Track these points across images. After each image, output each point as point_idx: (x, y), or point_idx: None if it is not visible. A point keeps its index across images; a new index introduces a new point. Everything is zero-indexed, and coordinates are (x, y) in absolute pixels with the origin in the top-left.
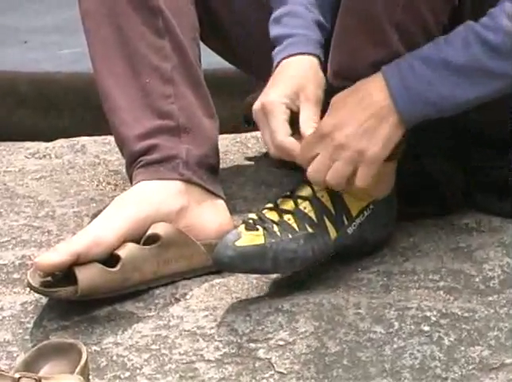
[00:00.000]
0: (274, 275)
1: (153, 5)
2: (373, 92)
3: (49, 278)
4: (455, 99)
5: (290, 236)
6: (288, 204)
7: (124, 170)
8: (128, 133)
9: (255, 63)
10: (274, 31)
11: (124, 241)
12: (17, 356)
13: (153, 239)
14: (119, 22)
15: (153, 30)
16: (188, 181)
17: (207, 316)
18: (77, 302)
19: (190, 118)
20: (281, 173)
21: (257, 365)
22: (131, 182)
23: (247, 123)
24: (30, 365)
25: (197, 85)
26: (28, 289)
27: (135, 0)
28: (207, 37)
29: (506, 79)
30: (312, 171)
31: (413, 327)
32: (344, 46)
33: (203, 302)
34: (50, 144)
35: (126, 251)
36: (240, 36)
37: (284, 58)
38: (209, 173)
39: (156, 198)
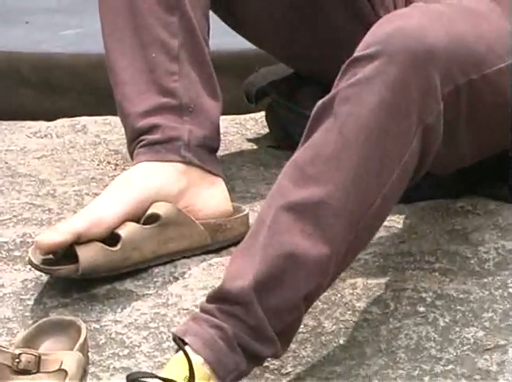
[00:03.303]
0: None
1: None
2: None
3: (50, 256)
4: None
5: None
6: None
7: (124, 150)
8: (131, 109)
9: (269, 38)
10: None
11: (124, 220)
12: (18, 332)
13: (153, 218)
14: None
15: (164, 5)
16: (188, 163)
17: (205, 294)
18: (77, 279)
19: (193, 98)
20: (280, 154)
21: None
22: (132, 158)
23: (249, 101)
24: (30, 342)
25: (203, 64)
26: (29, 266)
27: None
28: (219, 8)
29: None
30: None
31: (408, 308)
32: None
33: (201, 280)
34: (51, 123)
35: (126, 231)
36: (256, 9)
37: None
38: (209, 154)
39: (156, 179)
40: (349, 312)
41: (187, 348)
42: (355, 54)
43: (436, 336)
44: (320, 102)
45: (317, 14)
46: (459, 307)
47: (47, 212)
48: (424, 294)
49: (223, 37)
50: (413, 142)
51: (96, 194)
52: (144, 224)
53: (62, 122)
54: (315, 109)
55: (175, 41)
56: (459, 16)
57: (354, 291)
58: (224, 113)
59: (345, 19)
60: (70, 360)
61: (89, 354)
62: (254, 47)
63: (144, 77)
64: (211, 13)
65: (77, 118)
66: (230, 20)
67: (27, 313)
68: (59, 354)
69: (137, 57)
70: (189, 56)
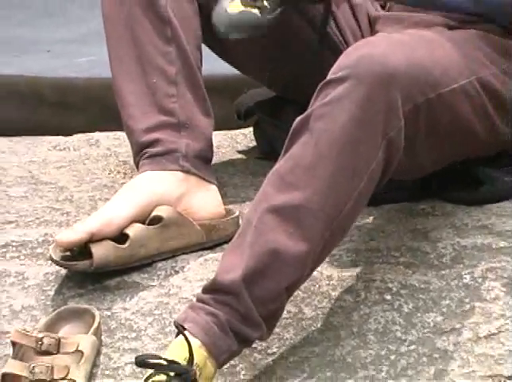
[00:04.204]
0: None
1: (164, 14)
2: None
3: (68, 253)
4: None
5: None
6: None
7: (131, 161)
8: (135, 126)
9: (250, 66)
10: None
11: (132, 222)
12: (40, 319)
13: (157, 220)
14: (133, 27)
15: (162, 37)
16: (186, 172)
17: (201, 286)
18: (91, 273)
19: (189, 117)
20: (266, 164)
21: None
22: (137, 168)
23: (238, 118)
24: (51, 327)
25: (197, 87)
26: (50, 262)
27: (148, 9)
28: (209, 41)
29: None
30: None
31: (377, 296)
32: None
33: (198, 273)
34: (69, 138)
35: (134, 230)
36: (238, 42)
37: None
38: (204, 164)
39: (159, 186)
40: (326, 300)
41: (186, 332)
42: (328, 77)
43: (400, 320)
44: (297, 119)
45: (294, 45)
46: (420, 295)
47: (65, 214)
48: (390, 285)
49: (216, 63)
50: (379, 153)
51: (108, 199)
52: (149, 224)
53: (78, 137)
54: (293, 125)
55: (172, 68)
56: (417, 44)
57: (330, 282)
58: (217, 129)
59: (319, 49)
60: (85, 342)
61: (102, 337)
62: None
63: (146, 99)
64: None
65: (91, 133)
66: (216, 50)
67: (48, 302)
68: (76, 337)
69: (140, 82)
70: (185, 81)
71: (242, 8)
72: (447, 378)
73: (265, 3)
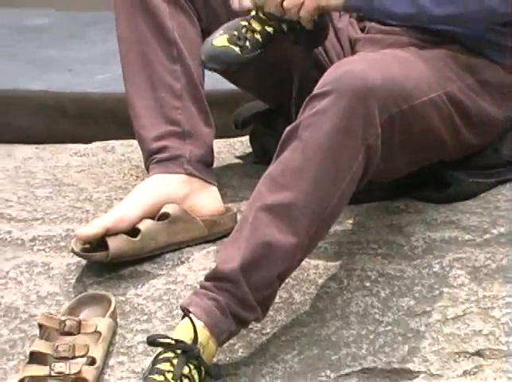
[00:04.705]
0: None
1: (171, 37)
2: None
3: (87, 246)
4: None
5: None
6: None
7: (143, 165)
8: (146, 135)
9: (247, 82)
10: None
11: (143, 218)
12: (63, 303)
13: (165, 216)
14: (144, 49)
15: (169, 57)
16: (190, 174)
17: (204, 274)
18: (108, 263)
19: (193, 126)
20: (261, 168)
21: None
22: (148, 172)
23: (236, 127)
24: (73, 311)
25: (199, 101)
26: (71, 254)
27: (157, 33)
28: None
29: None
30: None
31: (358, 283)
32: None
33: (201, 263)
34: (88, 146)
35: (145, 226)
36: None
37: None
38: (206, 168)
39: (166, 187)
40: (313, 287)
41: (191, 315)
42: (314, 92)
43: (378, 304)
44: (287, 128)
45: (286, 65)
46: (395, 282)
47: (85, 212)
48: (369, 273)
49: (217, 80)
50: (359, 158)
51: (122, 198)
52: (158, 220)
53: (96, 145)
54: (284, 133)
55: (178, 84)
56: (391, 62)
57: (317, 271)
58: (217, 137)
59: (308, 67)
60: (103, 324)
61: (117, 320)
62: None
63: (155, 112)
64: None
65: (107, 141)
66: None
67: (70, 289)
68: (94, 320)
69: (150, 97)
70: (189, 95)
71: (226, 43)
72: (419, 354)
73: (247, 44)
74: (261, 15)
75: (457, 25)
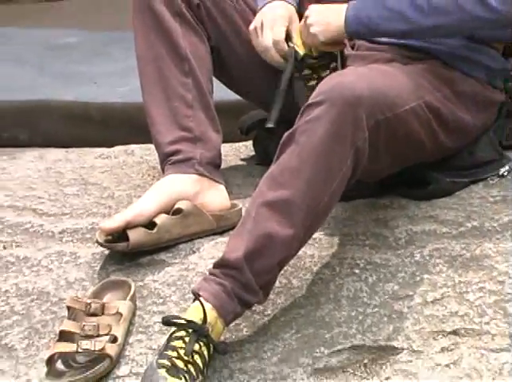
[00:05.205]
0: None
1: (183, 54)
2: (337, 10)
3: (110, 237)
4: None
5: None
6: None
7: (159, 167)
8: (161, 140)
9: (250, 93)
10: None
11: (159, 213)
12: (89, 288)
13: (178, 211)
14: (159, 64)
15: (182, 71)
16: (200, 175)
17: (213, 262)
18: (128, 253)
19: (202, 132)
20: (263, 169)
21: None
22: (163, 172)
23: (241, 133)
24: (97, 294)
25: (209, 110)
26: (96, 244)
27: (171, 50)
28: (218, 74)
29: (414, 26)
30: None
31: (348, 270)
32: None
33: (210, 253)
34: (110, 149)
35: (160, 220)
36: (241, 76)
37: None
38: (214, 169)
39: (180, 185)
40: (309, 273)
41: (201, 298)
42: (309, 101)
43: (366, 289)
44: (286, 133)
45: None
46: (382, 270)
47: (108, 208)
48: (358, 261)
49: (224, 91)
50: (348, 159)
51: (140, 196)
52: (172, 215)
53: (118, 148)
54: (283, 138)
55: (190, 95)
56: (376, 75)
57: (312, 260)
58: (224, 141)
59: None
60: (124, 306)
61: (136, 302)
62: None
63: (169, 119)
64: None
65: (128, 145)
66: (224, 81)
67: (95, 276)
68: (116, 303)
69: (165, 106)
70: (199, 105)
71: None
72: (402, 333)
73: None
74: (309, 61)
75: (445, 36)
